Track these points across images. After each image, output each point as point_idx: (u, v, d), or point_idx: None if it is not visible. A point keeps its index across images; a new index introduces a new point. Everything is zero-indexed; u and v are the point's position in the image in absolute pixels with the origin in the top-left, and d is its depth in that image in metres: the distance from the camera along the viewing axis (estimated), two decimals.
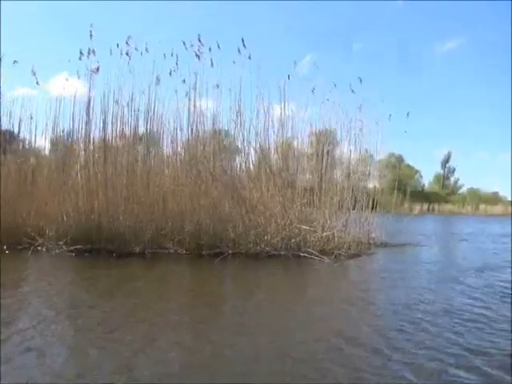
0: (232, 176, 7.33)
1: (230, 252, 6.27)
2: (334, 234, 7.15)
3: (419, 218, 32.02)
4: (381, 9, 58.65)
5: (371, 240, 8.43)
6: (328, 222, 7.21)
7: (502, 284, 4.86)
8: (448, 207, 44.94)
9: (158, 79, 6.74)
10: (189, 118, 6.96)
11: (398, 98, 63.08)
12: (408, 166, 49.96)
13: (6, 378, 1.94)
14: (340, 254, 6.70)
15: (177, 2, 51.36)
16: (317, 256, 6.23)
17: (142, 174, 6.83)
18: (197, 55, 6.76)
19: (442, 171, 51.88)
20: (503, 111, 62.81)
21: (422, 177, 49.89)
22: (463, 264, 6.75)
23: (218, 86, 7.14)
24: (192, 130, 6.94)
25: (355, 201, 9.37)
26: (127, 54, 6.94)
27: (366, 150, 10.38)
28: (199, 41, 6.86)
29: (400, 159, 51.38)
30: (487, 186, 54.52)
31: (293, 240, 6.64)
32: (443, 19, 59.01)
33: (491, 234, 14.29)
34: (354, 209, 8.85)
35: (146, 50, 6.80)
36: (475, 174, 77.20)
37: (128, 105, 6.80)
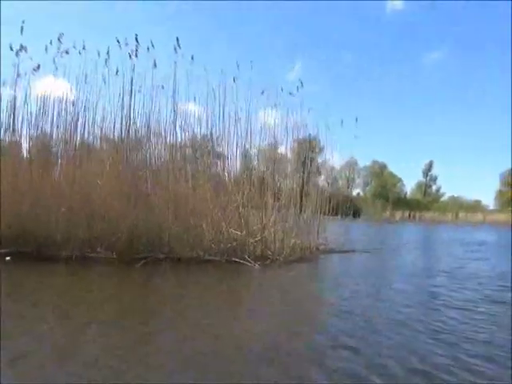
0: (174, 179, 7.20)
1: (162, 257, 6.12)
2: (275, 238, 7.04)
3: (398, 225, 32.36)
4: (370, 20, 59.99)
5: (321, 246, 8.36)
6: (270, 226, 7.09)
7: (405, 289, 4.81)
8: (429, 215, 45.43)
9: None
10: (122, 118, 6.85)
11: (382, 108, 64.16)
12: (391, 173, 50.64)
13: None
14: (277, 259, 6.60)
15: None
16: (249, 262, 6.10)
17: (80, 175, 6.65)
18: (130, 55, 6.66)
19: (424, 179, 52.71)
20: (488, 121, 64.07)
21: (404, 185, 50.62)
22: (395, 270, 6.75)
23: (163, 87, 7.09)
24: (128, 129, 6.80)
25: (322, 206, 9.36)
26: (67, 52, 6.85)
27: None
28: (136, 40, 6.77)
29: (383, 166, 52.12)
30: (470, 195, 55.42)
31: (228, 245, 6.51)
32: (429, 30, 60.61)
33: (456, 242, 14.39)
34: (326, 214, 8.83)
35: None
36: (459, 182, 78.72)
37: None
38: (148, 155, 7.12)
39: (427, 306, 4.04)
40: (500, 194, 52.47)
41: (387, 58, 64.19)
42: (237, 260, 6.19)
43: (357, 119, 9.20)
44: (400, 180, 50.00)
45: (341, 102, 67.21)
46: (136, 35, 6.65)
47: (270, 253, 6.79)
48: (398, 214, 45.56)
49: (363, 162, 54.76)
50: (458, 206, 47.17)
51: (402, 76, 64.87)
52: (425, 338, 2.95)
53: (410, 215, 46.22)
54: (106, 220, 6.28)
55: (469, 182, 72.02)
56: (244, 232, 6.75)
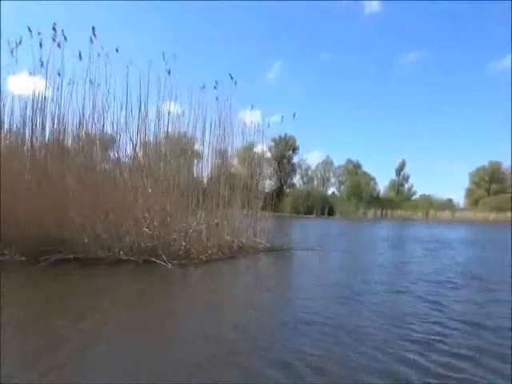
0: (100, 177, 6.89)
1: (72, 257, 5.81)
2: (201, 237, 6.84)
3: (366, 222, 32.77)
4: (347, 22, 60.69)
5: (260, 245, 8.20)
6: (195, 225, 6.87)
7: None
8: (400, 213, 46.23)
9: None
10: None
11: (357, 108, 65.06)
12: (364, 172, 51.25)
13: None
14: (201, 258, 6.39)
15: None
16: (163, 262, 5.86)
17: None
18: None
19: (396, 178, 53.63)
20: (461, 120, 65.83)
21: (377, 183, 51.30)
22: (319, 267, 6.66)
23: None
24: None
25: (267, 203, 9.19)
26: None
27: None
28: (54, 29, 6.43)
29: (357, 166, 52.74)
30: (444, 193, 56.58)
31: (149, 244, 6.26)
32: (405, 33, 61.77)
33: (409, 239, 14.58)
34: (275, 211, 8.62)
35: None
36: (434, 181, 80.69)
37: None
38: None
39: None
40: (469, 192, 54.03)
41: (363, 58, 65.10)
42: (153, 260, 5.94)
43: (294, 114, 9.16)
44: (373, 179, 50.69)
45: (317, 102, 67.86)
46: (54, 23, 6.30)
47: (194, 252, 6.58)
48: (371, 213, 46.16)
49: (339, 161, 55.48)
50: (429, 204, 48.20)
51: (377, 76, 65.86)
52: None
53: (382, 213, 46.87)
54: (14, 221, 5.93)
55: (444, 180, 73.91)
56: (167, 231, 6.51)
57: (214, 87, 7.64)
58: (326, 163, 54.58)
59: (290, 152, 51.91)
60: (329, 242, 11.21)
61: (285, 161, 51.76)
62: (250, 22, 64.36)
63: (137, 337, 2.89)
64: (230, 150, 8.80)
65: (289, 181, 53.46)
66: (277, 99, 62.89)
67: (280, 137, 51.86)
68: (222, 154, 9.25)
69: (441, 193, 76.22)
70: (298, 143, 51.74)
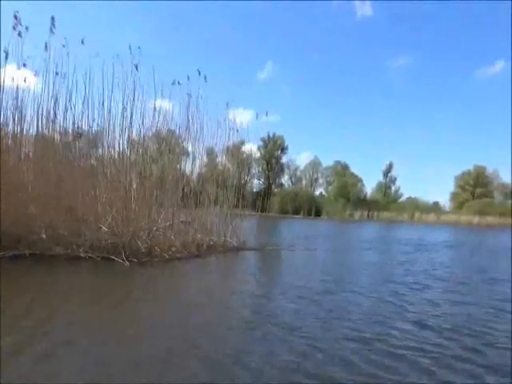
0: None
1: (28, 253, 5.62)
2: (165, 235, 6.70)
3: (351, 223, 32.92)
4: (339, 25, 61.02)
5: (231, 244, 8.08)
6: (159, 223, 6.72)
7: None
8: (386, 214, 46.59)
9: None
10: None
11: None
12: (352, 174, 51.56)
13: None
14: (164, 256, 6.24)
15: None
16: (121, 259, 5.70)
17: None
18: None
19: (384, 180, 54.06)
20: (449, 126, 66.66)
21: (364, 185, 51.66)
22: (285, 266, 6.59)
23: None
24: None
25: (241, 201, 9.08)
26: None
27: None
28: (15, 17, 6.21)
29: (345, 167, 53.02)
30: (429, 196, 56.99)
31: (109, 241, 6.09)
32: (396, 38, 62.38)
33: (388, 240, 14.64)
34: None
35: None
36: (419, 184, 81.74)
37: None
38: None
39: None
40: (454, 195, 54.77)
41: (354, 60, 65.43)
42: (112, 257, 5.77)
43: (267, 113, 9.10)
44: (360, 180, 51.06)
45: (307, 103, 68.04)
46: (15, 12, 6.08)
47: (158, 250, 6.43)
48: (358, 214, 46.42)
49: (327, 162, 55.70)
50: (415, 206, 48.69)
51: (367, 79, 66.26)
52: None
53: (368, 215, 47.18)
54: None
55: (431, 183, 75.05)
56: (129, 228, 6.35)
57: (178, 82, 7.44)
58: (314, 164, 54.75)
59: (279, 152, 51.98)
60: (305, 242, 11.14)
61: (273, 160, 51.75)
62: (241, 22, 64.24)
63: (78, 334, 2.74)
64: (199, 149, 8.68)
65: (277, 180, 53.50)
66: (269, 99, 63.09)
67: (269, 136, 51.87)
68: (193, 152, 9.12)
69: (428, 196, 77.50)
70: (286, 143, 51.88)
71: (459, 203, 52.35)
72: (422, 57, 62.54)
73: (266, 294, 4.42)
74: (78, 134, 6.98)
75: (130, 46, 6.82)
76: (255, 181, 53.17)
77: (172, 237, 6.85)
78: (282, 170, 53.13)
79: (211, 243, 7.81)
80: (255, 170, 53.29)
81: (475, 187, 52.84)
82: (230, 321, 3.33)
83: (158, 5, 57.24)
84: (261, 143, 51.62)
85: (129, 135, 7.18)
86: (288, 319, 3.36)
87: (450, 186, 56.01)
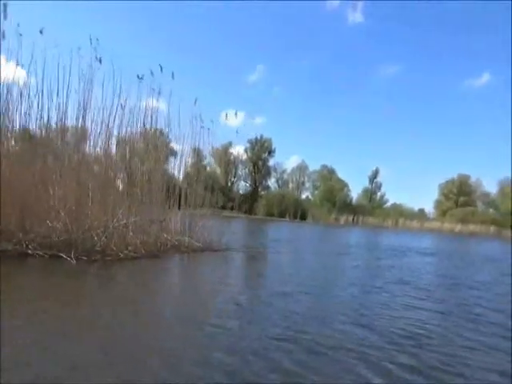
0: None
1: None
2: (124, 233, 6.42)
3: (335, 228, 32.95)
4: (330, 30, 61.52)
5: (194, 245, 7.82)
6: (115, 221, 6.43)
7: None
8: (371, 220, 46.90)
9: None
10: None
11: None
12: (338, 178, 51.80)
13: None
14: (119, 255, 5.96)
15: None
16: (70, 258, 5.40)
17: None
18: None
19: (369, 186, 54.51)
20: (436, 134, 67.62)
21: (350, 190, 51.92)
22: (242, 269, 6.36)
23: None
24: None
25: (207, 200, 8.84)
26: None
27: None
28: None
29: (332, 171, 53.25)
30: (415, 203, 57.55)
31: (61, 238, 5.79)
32: (386, 46, 63.16)
33: (366, 246, 14.57)
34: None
35: None
36: (406, 191, 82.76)
37: None
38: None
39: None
40: (438, 203, 55.49)
41: (344, 67, 66.04)
42: (60, 255, 5.47)
43: (236, 113, 8.95)
44: (346, 185, 51.29)
45: (297, 107, 68.30)
46: None
47: (114, 248, 6.14)
48: (343, 218, 46.59)
49: (314, 166, 55.85)
50: (399, 213, 49.15)
51: (356, 86, 66.91)
52: None
53: (353, 220, 47.39)
54: None
55: (419, 191, 76.24)
56: (82, 225, 6.05)
57: (139, 76, 7.24)
58: (301, 167, 54.85)
59: (266, 154, 51.89)
60: (277, 245, 10.96)
61: (260, 163, 51.66)
62: (232, 25, 64.27)
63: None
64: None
65: (264, 183, 53.39)
66: (259, 102, 63.15)
67: (256, 138, 51.82)
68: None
69: (414, 203, 78.45)
70: (274, 146, 51.84)
71: (443, 211, 53.08)
72: (410, 66, 63.56)
73: (199, 299, 4.19)
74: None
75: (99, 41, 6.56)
76: (242, 183, 53.13)
77: (133, 235, 6.57)
78: (268, 172, 53.11)
79: (176, 243, 7.56)
80: (241, 171, 53.34)
81: (459, 196, 53.63)
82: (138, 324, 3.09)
83: (152, 5, 56.88)
84: (248, 145, 51.59)
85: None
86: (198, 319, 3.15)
87: (435, 194, 56.74)
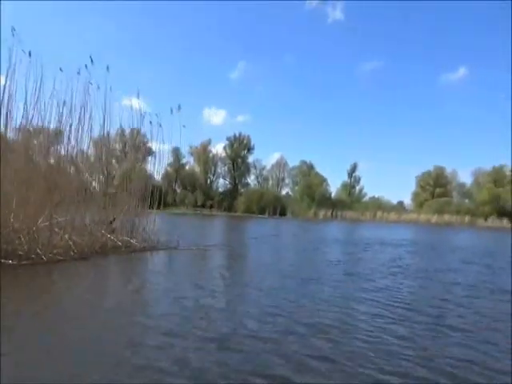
0: None
1: None
2: (52, 235, 5.99)
3: (312, 223, 32.94)
4: (310, 27, 61.56)
5: (137, 245, 7.43)
6: (40, 222, 5.99)
7: None
8: (349, 214, 47.19)
9: None
10: None
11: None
12: (317, 174, 51.88)
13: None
14: (42, 258, 5.55)
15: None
16: None
17: None
18: None
19: (348, 180, 54.83)
20: (415, 128, 68.59)
21: (329, 185, 52.07)
22: (184, 267, 6.15)
23: None
24: None
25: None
26: None
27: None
28: None
29: (310, 167, 53.30)
30: (394, 196, 58.35)
31: None
32: (365, 42, 63.69)
33: (333, 240, 14.48)
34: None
35: None
36: (385, 185, 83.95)
37: None
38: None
39: None
40: (416, 195, 56.36)
41: (325, 64, 66.29)
42: None
43: (179, 107, 8.60)
44: (325, 180, 51.42)
45: (278, 103, 68.18)
46: None
47: (39, 251, 5.70)
48: (322, 213, 46.67)
49: (295, 162, 55.72)
50: (377, 206, 49.62)
51: (336, 81, 67.12)
52: None
53: (332, 214, 47.53)
54: None
55: (397, 184, 77.44)
56: (10, 228, 5.60)
57: (78, 72, 6.85)
58: (281, 164, 54.65)
59: (245, 151, 51.45)
60: (232, 242, 10.68)
61: (239, 160, 51.19)
62: (214, 22, 63.59)
63: None
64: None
65: (243, 180, 52.96)
66: (241, 99, 62.63)
67: (235, 136, 51.35)
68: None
69: (393, 196, 79.67)
70: (253, 143, 51.48)
71: (420, 202, 53.91)
72: (390, 62, 64.23)
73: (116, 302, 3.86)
74: None
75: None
76: (221, 180, 52.59)
77: (67, 237, 6.14)
78: (248, 169, 52.69)
79: (119, 244, 7.17)
80: (221, 169, 52.79)
81: (435, 187, 54.57)
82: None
83: (134, 4, 55.64)
84: (227, 142, 51.07)
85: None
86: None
87: (413, 186, 57.61)
